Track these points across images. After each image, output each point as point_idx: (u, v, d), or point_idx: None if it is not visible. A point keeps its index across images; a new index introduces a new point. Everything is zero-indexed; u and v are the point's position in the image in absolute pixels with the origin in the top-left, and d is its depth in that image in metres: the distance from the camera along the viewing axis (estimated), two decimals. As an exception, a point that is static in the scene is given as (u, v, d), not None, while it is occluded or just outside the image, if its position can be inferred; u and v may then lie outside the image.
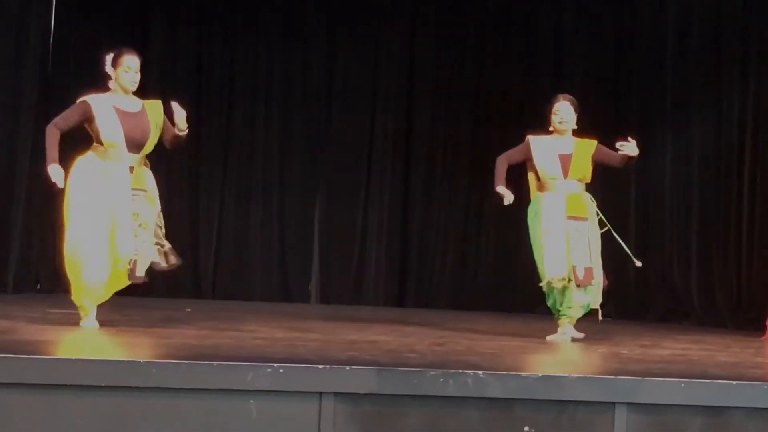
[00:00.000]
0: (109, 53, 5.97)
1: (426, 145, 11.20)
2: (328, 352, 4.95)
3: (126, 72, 5.88)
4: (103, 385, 3.92)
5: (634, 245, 10.18)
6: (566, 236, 6.40)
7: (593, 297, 6.50)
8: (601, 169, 6.74)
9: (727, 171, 9.54)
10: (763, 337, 7.63)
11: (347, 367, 4.12)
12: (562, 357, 5.62)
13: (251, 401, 4.00)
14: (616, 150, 6.47)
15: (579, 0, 10.92)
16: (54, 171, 5.68)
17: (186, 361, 4.13)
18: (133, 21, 10.54)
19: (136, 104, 5.96)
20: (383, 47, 11.17)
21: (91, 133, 5.86)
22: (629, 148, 6.39)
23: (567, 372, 4.46)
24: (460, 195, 11.18)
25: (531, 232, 6.57)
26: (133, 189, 5.77)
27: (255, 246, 10.85)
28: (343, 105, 11.08)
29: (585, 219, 6.47)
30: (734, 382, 4.29)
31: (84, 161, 5.82)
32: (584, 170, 6.52)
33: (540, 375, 4.25)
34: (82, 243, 5.66)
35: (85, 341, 5.16)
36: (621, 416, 4.17)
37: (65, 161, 5.83)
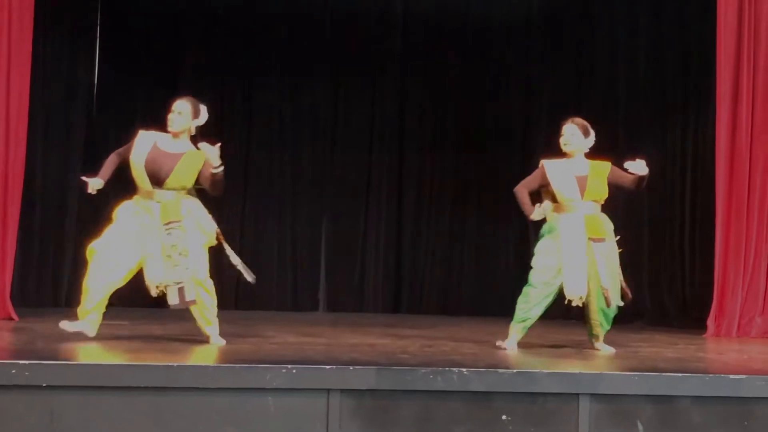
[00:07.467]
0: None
1: (416, 175, 11.19)
2: (334, 354, 4.94)
3: (170, 114, 5.55)
4: (142, 386, 3.92)
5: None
6: (590, 258, 5.66)
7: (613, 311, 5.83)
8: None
9: (671, 193, 9.55)
10: (704, 335, 7.63)
11: (351, 367, 4.12)
12: (533, 355, 5.61)
13: (269, 398, 4.00)
14: (626, 170, 5.76)
15: (543, 52, 10.93)
16: (93, 180, 5.41)
17: (213, 365, 4.14)
18: (164, 75, 10.52)
19: (179, 147, 5.54)
20: (378, 93, 11.18)
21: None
22: (639, 167, 5.67)
23: (538, 368, 4.47)
24: (445, 217, 11.17)
25: (542, 244, 5.78)
26: (167, 222, 5.39)
27: (271, 263, 10.82)
28: (344, 142, 11.09)
29: (603, 239, 5.72)
30: (680, 375, 4.30)
31: (125, 204, 5.55)
32: (600, 191, 5.81)
33: (515, 371, 4.26)
34: (98, 259, 5.35)
35: (125, 349, 5.15)
36: (584, 405, 4.18)
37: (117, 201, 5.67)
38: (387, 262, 11.07)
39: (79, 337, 5.35)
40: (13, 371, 3.86)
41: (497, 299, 10.12)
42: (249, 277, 5.75)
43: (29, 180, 8.43)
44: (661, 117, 9.73)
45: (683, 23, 9.42)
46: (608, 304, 5.72)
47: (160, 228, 5.40)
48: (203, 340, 5.62)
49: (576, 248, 5.64)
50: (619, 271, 5.83)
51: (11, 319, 7.30)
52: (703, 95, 8.86)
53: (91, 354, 4.76)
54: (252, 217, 10.89)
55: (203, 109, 5.64)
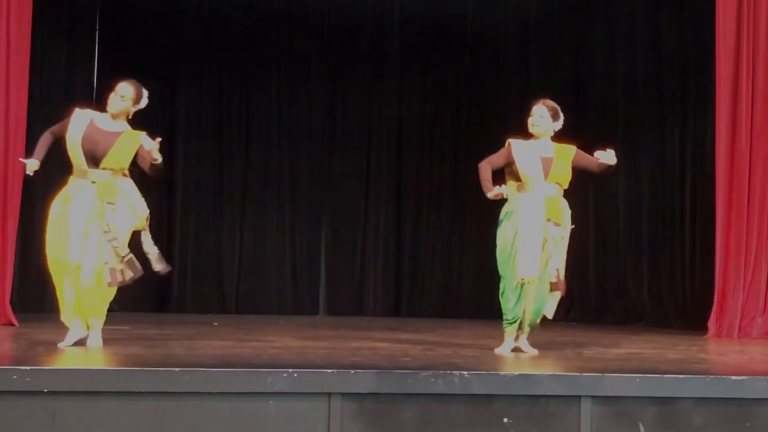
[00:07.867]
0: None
1: (414, 177, 11.23)
2: (335, 358, 4.95)
3: (113, 94, 5.46)
4: (143, 391, 3.92)
5: (593, 258, 10.30)
6: (545, 239, 5.51)
7: (550, 305, 5.68)
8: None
9: (671, 193, 9.56)
10: (705, 336, 7.63)
11: (351, 371, 4.12)
12: (534, 358, 5.61)
13: (270, 402, 3.99)
14: (595, 157, 5.64)
15: (543, 54, 10.95)
16: (30, 162, 5.37)
17: (214, 369, 4.14)
18: (163, 80, 10.51)
19: (117, 127, 5.43)
20: (376, 94, 11.21)
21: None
22: (608, 156, 5.57)
23: (539, 371, 4.47)
24: (444, 219, 11.21)
25: (500, 231, 5.66)
26: (105, 202, 5.28)
27: (271, 267, 10.86)
28: (343, 145, 11.13)
29: (560, 225, 5.57)
30: (681, 376, 4.30)
31: (62, 191, 5.46)
32: (564, 174, 5.64)
33: (516, 374, 4.26)
34: (53, 259, 5.36)
35: (126, 354, 5.14)
36: (586, 408, 4.17)
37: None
38: (387, 264, 11.09)
39: (80, 342, 5.34)
40: (14, 377, 3.86)
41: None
42: (159, 266, 5.40)
43: (29, 184, 8.44)
44: (661, 117, 9.74)
45: (682, 22, 9.44)
46: (554, 288, 5.56)
47: (98, 206, 5.29)
48: (204, 344, 5.62)
49: (533, 230, 5.50)
50: (563, 261, 5.65)
51: (12, 324, 7.29)
52: (702, 95, 8.88)
53: (91, 359, 4.76)
54: (251, 221, 10.91)
55: (145, 95, 5.57)
